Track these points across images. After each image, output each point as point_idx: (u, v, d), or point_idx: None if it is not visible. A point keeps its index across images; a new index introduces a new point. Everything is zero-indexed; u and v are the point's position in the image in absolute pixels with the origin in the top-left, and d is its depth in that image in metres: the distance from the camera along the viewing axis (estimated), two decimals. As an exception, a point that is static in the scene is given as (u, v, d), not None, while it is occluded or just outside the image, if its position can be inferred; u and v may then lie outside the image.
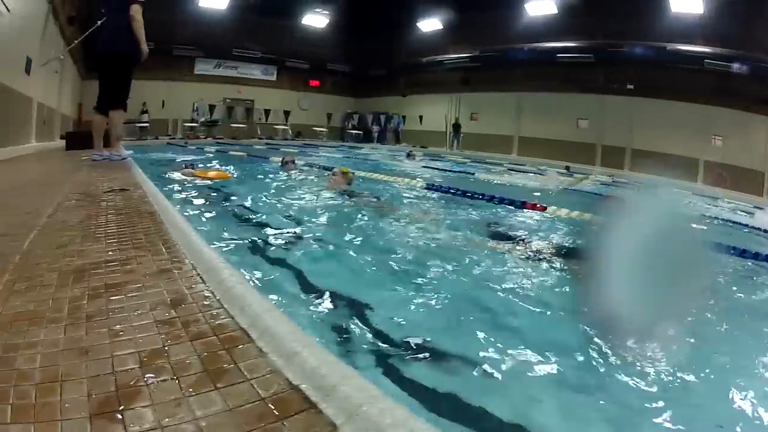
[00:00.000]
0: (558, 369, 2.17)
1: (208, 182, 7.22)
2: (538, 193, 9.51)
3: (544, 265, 3.78)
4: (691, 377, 2.19)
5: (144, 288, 1.87)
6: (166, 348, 1.39)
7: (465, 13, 24.57)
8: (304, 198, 6.41)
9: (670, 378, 2.17)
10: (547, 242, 4.64)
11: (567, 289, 3.24)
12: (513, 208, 6.54)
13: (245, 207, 5.63)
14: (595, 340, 2.38)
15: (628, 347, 2.30)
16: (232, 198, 6.15)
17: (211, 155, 12.97)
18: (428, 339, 2.33)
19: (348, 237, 4.38)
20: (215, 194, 6.35)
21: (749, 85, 16.43)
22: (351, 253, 3.85)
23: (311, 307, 2.62)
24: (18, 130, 9.06)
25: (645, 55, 18.82)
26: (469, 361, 2.18)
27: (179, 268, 2.12)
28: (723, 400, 2.09)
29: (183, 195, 6.03)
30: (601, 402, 1.98)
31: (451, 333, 2.49)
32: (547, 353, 2.26)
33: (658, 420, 1.91)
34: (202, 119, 24.30)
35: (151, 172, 6.15)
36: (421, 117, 28.25)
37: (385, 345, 2.28)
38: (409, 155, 16.46)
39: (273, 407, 1.13)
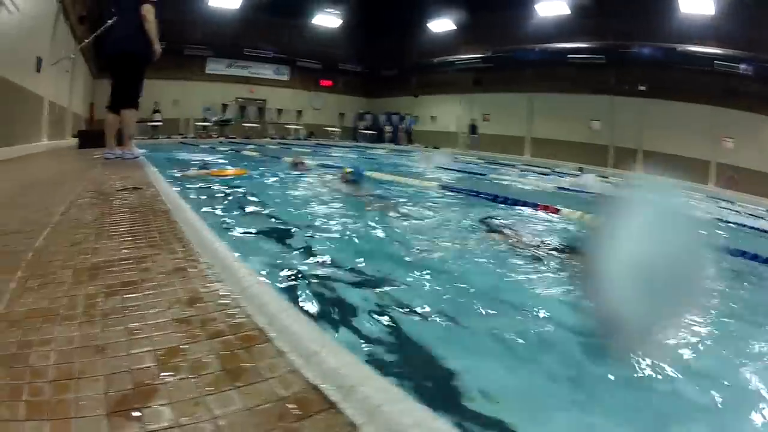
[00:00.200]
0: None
1: (222, 181, 7.23)
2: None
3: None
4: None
5: (160, 286, 1.87)
6: (183, 346, 1.40)
7: (476, 13, 24.50)
8: (314, 197, 6.43)
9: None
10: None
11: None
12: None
13: (258, 206, 5.65)
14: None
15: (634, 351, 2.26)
16: (245, 197, 6.16)
17: (225, 155, 13.03)
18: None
19: (356, 234, 4.45)
20: (228, 193, 6.35)
21: (760, 86, 16.28)
22: (361, 248, 3.91)
23: (324, 305, 2.62)
24: (29, 128, 9.20)
25: (656, 56, 18.71)
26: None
27: (195, 267, 2.13)
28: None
29: (196, 194, 6.03)
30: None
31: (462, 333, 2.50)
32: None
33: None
34: (215, 118, 24.45)
35: (164, 171, 6.18)
36: (433, 117, 28.25)
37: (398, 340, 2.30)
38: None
39: (292, 407, 1.13)
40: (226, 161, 10.84)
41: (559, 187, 10.41)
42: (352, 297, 2.75)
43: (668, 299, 2.18)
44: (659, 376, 2.13)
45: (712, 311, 2.95)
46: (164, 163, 8.04)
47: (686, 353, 2.41)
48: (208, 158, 10.17)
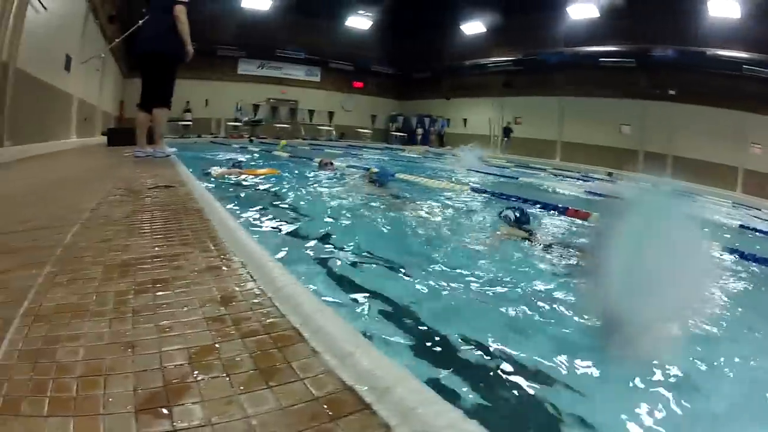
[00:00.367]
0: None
1: (254, 181, 7.33)
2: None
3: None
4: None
5: (192, 284, 1.87)
6: (216, 345, 1.39)
7: (508, 15, 24.57)
8: (340, 197, 6.50)
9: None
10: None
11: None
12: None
13: (284, 204, 5.76)
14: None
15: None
16: (277, 197, 6.26)
17: (256, 154, 13.24)
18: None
19: (375, 232, 4.61)
20: (260, 193, 6.45)
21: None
22: (378, 246, 3.98)
23: (356, 307, 2.65)
24: (58, 125, 9.46)
25: (685, 60, 18.59)
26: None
27: (228, 266, 2.13)
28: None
29: (229, 193, 6.15)
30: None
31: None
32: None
33: None
34: (246, 119, 24.80)
35: (195, 170, 6.25)
36: (465, 120, 28.38)
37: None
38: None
39: (326, 407, 1.13)
40: (258, 161, 11.05)
41: (591, 192, 10.30)
42: (379, 294, 2.82)
43: (665, 300, 2.25)
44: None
45: (719, 314, 3.01)
46: (195, 162, 8.14)
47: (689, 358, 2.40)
48: (240, 158, 10.26)
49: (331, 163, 9.72)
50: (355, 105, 30.37)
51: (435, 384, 1.85)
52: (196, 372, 1.24)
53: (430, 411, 1.07)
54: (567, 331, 2.61)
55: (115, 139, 10.57)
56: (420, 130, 29.65)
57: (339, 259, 3.50)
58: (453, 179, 10.24)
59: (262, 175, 7.73)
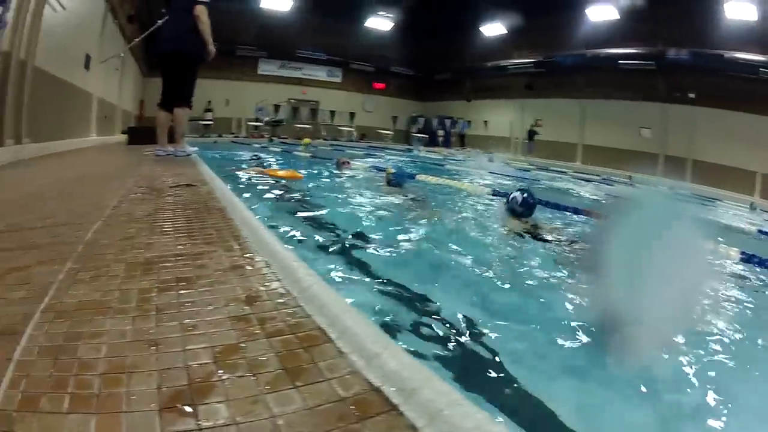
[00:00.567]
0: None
1: (278, 180, 7.38)
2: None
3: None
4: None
5: (216, 283, 1.88)
6: (241, 344, 1.39)
7: (528, 17, 24.66)
8: (357, 196, 6.66)
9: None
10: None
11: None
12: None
13: (304, 202, 5.90)
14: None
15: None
16: (299, 196, 6.36)
17: (277, 155, 13.43)
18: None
19: (390, 231, 4.67)
20: (283, 192, 6.51)
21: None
22: (391, 244, 4.13)
23: (379, 305, 2.71)
24: (78, 123, 9.63)
25: (703, 63, 18.60)
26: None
27: (252, 265, 2.13)
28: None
29: (252, 192, 6.25)
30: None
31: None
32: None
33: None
34: (267, 119, 25.01)
35: (217, 169, 6.31)
36: (486, 122, 28.51)
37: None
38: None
39: (353, 408, 1.13)
40: (280, 161, 11.20)
41: (611, 195, 10.30)
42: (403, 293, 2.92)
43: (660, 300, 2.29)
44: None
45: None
46: (217, 161, 8.24)
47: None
48: (262, 157, 10.40)
49: (348, 162, 10.29)
50: (376, 106, 30.65)
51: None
52: (221, 371, 1.24)
53: (457, 413, 1.08)
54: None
55: (134, 137, 10.75)
56: (441, 132, 29.91)
57: (360, 257, 3.59)
58: (473, 181, 10.41)
59: (284, 177, 7.77)
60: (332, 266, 3.31)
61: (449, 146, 27.87)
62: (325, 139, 24.36)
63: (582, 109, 23.40)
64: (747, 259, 4.87)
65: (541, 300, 3.14)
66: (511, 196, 5.34)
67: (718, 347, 2.63)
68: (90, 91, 10.33)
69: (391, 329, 2.37)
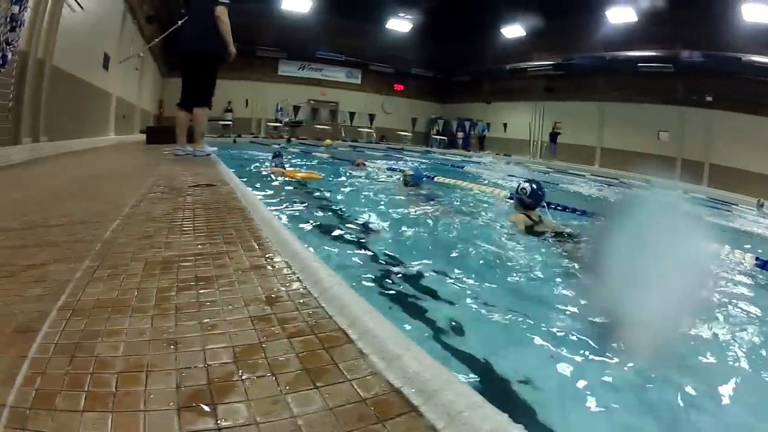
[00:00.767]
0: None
1: (297, 181, 7.45)
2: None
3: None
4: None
5: (236, 283, 1.88)
6: (262, 344, 1.39)
7: (548, 19, 24.72)
8: (374, 196, 6.81)
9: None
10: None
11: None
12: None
13: (323, 200, 6.04)
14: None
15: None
16: (319, 196, 6.47)
17: (296, 155, 13.67)
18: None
19: (405, 230, 4.82)
20: (303, 192, 6.57)
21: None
22: (404, 243, 4.31)
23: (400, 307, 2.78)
24: (96, 122, 9.77)
25: (721, 66, 18.58)
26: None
27: (273, 266, 2.13)
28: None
29: (272, 192, 6.37)
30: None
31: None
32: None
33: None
34: (286, 119, 25.34)
35: (237, 169, 6.36)
36: (505, 125, 28.63)
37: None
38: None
39: (374, 408, 1.13)
40: (300, 162, 11.44)
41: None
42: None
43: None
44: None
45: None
46: (236, 161, 8.30)
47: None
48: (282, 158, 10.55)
49: (364, 163, 11.10)
50: (395, 108, 30.92)
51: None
52: (241, 371, 1.24)
53: (477, 415, 1.08)
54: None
55: (153, 137, 10.88)
56: (460, 134, 30.20)
57: (377, 257, 3.66)
58: (491, 183, 10.53)
59: (303, 178, 7.84)
60: (348, 262, 3.42)
61: (468, 148, 28.10)
62: (344, 140, 24.68)
63: (601, 111, 23.51)
64: (762, 265, 4.82)
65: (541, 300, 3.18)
66: (520, 186, 5.49)
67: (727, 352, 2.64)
68: (109, 91, 10.49)
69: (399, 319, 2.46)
